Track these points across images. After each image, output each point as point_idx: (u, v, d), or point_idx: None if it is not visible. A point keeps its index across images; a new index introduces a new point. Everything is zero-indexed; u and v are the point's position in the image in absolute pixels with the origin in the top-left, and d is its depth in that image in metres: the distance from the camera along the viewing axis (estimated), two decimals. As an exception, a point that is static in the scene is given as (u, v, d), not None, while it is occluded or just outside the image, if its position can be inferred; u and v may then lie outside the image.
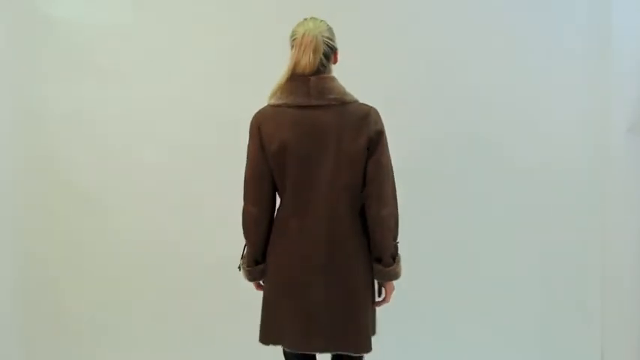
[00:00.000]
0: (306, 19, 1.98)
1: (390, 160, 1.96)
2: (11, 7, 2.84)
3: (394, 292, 2.03)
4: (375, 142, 1.91)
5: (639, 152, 2.68)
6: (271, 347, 2.14)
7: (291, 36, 1.95)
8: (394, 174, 1.98)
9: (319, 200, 1.91)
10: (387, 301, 2.04)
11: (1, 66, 2.81)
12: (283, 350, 2.09)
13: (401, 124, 2.82)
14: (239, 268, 2.09)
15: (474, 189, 2.85)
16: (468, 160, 2.85)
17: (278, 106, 1.92)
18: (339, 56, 1.99)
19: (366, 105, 1.94)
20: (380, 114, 1.93)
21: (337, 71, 2.05)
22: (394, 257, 1.96)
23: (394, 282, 2.00)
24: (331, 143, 1.88)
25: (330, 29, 1.95)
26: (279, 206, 1.99)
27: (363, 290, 1.96)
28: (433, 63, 2.82)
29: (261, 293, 2.10)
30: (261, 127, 1.94)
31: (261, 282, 2.09)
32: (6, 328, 2.87)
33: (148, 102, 2.87)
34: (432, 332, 2.88)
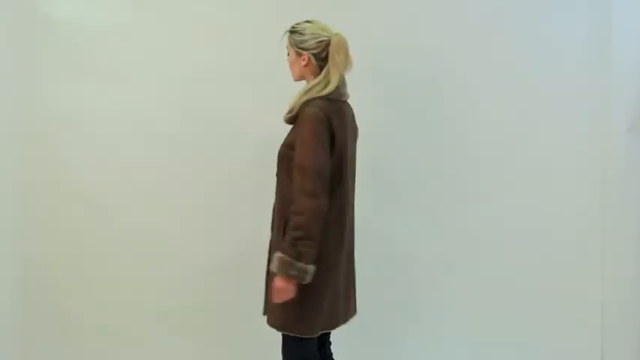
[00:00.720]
0: (317, 22, 2.14)
1: None
2: (11, 7, 2.84)
3: None
4: None
5: (639, 152, 2.68)
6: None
7: (317, 37, 2.11)
8: None
9: (351, 189, 2.20)
10: None
11: (1, 66, 2.81)
12: (301, 339, 2.08)
13: (400, 125, 2.84)
14: (291, 271, 1.94)
15: (472, 189, 2.85)
16: (466, 159, 2.85)
17: (329, 99, 2.07)
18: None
19: None
20: None
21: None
22: None
23: None
24: (351, 141, 2.19)
25: None
26: (337, 197, 2.09)
27: None
28: (432, 63, 2.82)
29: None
30: (331, 117, 2.03)
31: None
32: (6, 329, 2.87)
33: (148, 102, 2.86)
34: (431, 332, 2.88)
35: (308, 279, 1.95)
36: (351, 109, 2.22)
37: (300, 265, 1.92)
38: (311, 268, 1.94)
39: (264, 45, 2.73)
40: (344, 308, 2.19)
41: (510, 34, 2.81)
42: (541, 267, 2.86)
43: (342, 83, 2.13)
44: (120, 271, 2.93)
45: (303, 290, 2.00)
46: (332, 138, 2.02)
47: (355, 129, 2.25)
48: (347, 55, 2.12)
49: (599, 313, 2.85)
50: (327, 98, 2.05)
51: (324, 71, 2.10)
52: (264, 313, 2.19)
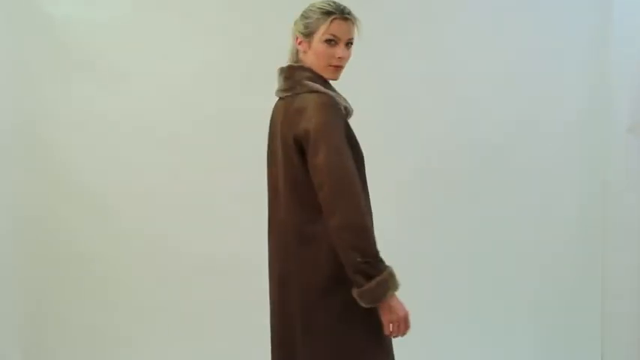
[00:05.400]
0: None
1: (335, 160, 1.59)
2: (12, 7, 2.84)
3: (396, 318, 1.62)
4: (305, 142, 1.63)
5: (639, 152, 2.68)
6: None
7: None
8: (349, 175, 1.60)
9: (277, 204, 1.74)
10: (391, 333, 1.65)
11: (1, 65, 2.81)
12: None
13: (400, 125, 2.84)
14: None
15: (472, 189, 2.85)
16: (466, 160, 2.84)
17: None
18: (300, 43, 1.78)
19: (313, 96, 1.67)
20: (326, 106, 1.64)
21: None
22: (368, 275, 1.57)
23: (394, 305, 1.60)
24: (277, 141, 1.73)
25: (302, 15, 1.77)
26: None
27: (321, 311, 1.67)
28: (433, 63, 2.83)
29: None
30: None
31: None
32: (6, 328, 2.86)
33: (148, 101, 2.87)
34: (431, 332, 2.88)
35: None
36: (283, 107, 1.75)
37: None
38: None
39: (265, 42, 2.73)
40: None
41: (510, 34, 2.81)
42: (541, 267, 2.86)
43: (281, 75, 1.81)
44: (120, 272, 2.93)
45: None
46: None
47: (277, 132, 1.76)
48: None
49: (599, 313, 2.85)
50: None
51: None
52: None
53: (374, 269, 1.58)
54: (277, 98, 1.84)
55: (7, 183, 2.85)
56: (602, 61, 2.74)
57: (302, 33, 1.75)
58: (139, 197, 2.90)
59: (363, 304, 1.60)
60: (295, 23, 1.79)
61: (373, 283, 1.57)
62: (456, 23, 2.81)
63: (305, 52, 1.76)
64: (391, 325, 1.63)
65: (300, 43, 1.76)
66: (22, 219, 2.92)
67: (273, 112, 1.82)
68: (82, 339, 2.95)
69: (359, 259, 1.57)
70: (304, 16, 1.76)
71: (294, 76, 1.74)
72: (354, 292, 1.60)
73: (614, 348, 2.80)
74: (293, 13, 2.05)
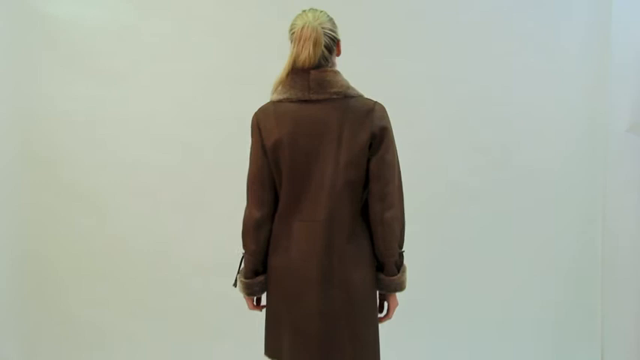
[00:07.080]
0: (304, 11, 1.86)
1: (398, 160, 1.84)
2: (11, 7, 2.84)
3: (397, 308, 1.90)
4: (378, 139, 1.80)
5: (639, 152, 2.68)
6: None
7: (290, 29, 1.84)
8: (401, 177, 1.85)
9: (318, 201, 1.80)
10: (389, 317, 1.91)
11: (1, 66, 2.81)
12: None
13: (400, 125, 2.83)
14: (234, 284, 1.95)
15: (472, 189, 2.85)
16: (466, 160, 2.85)
17: (279, 101, 1.83)
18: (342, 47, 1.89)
19: (371, 100, 1.84)
20: (386, 110, 1.84)
21: (339, 69, 2.03)
22: (399, 266, 1.84)
23: (397, 295, 1.87)
24: (331, 140, 1.79)
25: (331, 20, 1.85)
26: (278, 209, 1.87)
27: (366, 302, 1.83)
28: (432, 63, 2.82)
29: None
30: (260, 124, 1.85)
31: (261, 298, 1.97)
32: (6, 328, 2.86)
33: (147, 102, 2.86)
34: (431, 331, 2.88)
35: (246, 291, 1.93)
36: (334, 109, 1.80)
37: (237, 276, 1.94)
38: (245, 280, 1.90)
39: (266, 44, 2.73)
40: (308, 349, 1.81)
41: (510, 34, 2.81)
42: (541, 266, 2.86)
43: (296, 82, 1.81)
44: (120, 271, 2.93)
45: None
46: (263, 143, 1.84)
47: (330, 131, 1.80)
48: (298, 47, 1.79)
49: (599, 313, 2.85)
50: (273, 100, 1.85)
51: None
52: None
53: (402, 260, 1.86)
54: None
55: (6, 182, 2.85)
56: (602, 61, 2.74)
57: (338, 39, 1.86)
58: (139, 197, 2.90)
59: (384, 291, 1.86)
60: (332, 29, 1.84)
61: (403, 272, 1.84)
62: (456, 23, 2.81)
63: (337, 55, 1.88)
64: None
65: (338, 46, 1.87)
66: (21, 218, 2.91)
67: (297, 113, 1.81)
68: (82, 337, 2.95)
69: (399, 251, 1.83)
70: (335, 24, 1.86)
71: (338, 80, 1.82)
72: (386, 280, 1.83)
73: (614, 348, 2.80)
74: (295, 13, 2.06)
